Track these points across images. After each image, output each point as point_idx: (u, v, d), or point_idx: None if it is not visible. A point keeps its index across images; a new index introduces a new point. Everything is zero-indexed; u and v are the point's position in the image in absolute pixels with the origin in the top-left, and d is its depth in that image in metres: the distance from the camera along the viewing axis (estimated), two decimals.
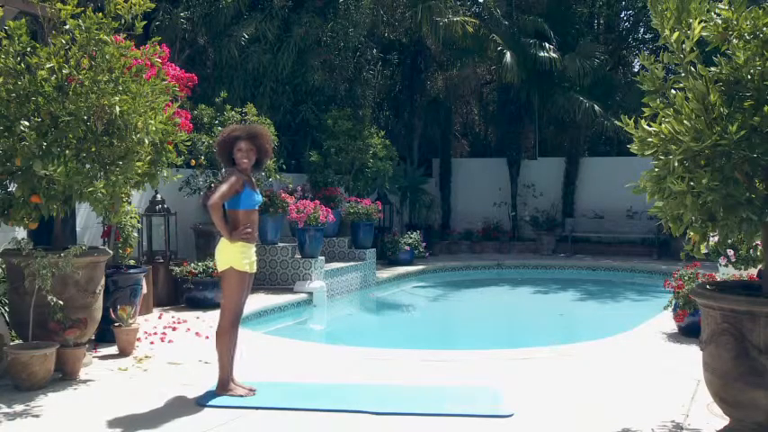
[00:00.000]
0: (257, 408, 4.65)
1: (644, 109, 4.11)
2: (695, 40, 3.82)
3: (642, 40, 19.06)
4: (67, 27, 5.43)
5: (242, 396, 4.84)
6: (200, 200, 9.95)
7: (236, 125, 4.97)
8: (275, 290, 10.13)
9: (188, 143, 6.33)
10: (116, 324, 6.19)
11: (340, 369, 5.80)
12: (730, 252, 6.98)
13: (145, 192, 7.82)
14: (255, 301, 9.28)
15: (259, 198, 5.01)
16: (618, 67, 18.88)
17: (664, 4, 3.91)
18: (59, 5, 5.47)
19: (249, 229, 4.85)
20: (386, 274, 12.67)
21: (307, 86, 13.38)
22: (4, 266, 5.86)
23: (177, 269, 8.69)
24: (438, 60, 17.70)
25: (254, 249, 5.00)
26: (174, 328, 7.27)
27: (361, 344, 6.91)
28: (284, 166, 11.25)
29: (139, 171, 5.70)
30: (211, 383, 5.17)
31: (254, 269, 5.00)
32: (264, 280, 10.46)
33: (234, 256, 4.83)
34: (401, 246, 13.66)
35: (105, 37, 5.37)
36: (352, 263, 11.78)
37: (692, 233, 4.09)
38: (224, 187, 4.74)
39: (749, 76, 3.64)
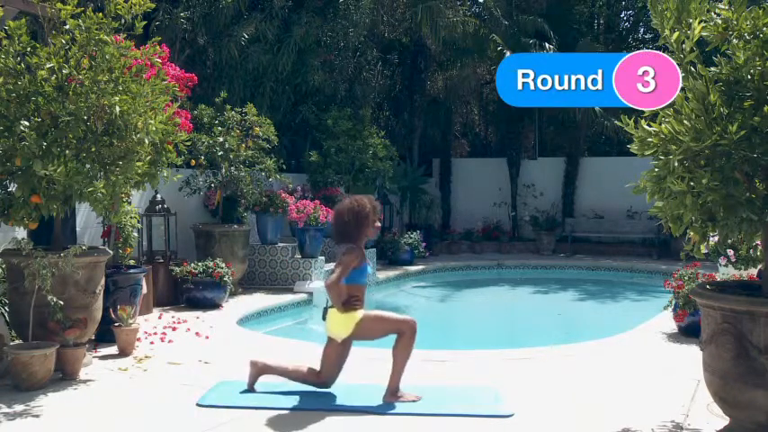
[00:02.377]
0: (257, 408, 4.65)
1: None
2: (695, 40, 3.82)
3: (642, 40, 19.05)
4: (67, 27, 5.42)
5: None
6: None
7: (362, 199, 4.91)
8: (275, 290, 10.13)
9: (188, 143, 6.32)
10: (116, 324, 6.19)
11: None
12: (730, 252, 6.99)
13: (145, 192, 7.81)
14: (255, 301, 9.29)
15: (370, 270, 4.98)
16: None
17: (664, 4, 3.91)
18: (59, 5, 5.47)
19: (360, 303, 4.83)
20: (386, 274, 12.66)
21: (307, 86, 13.37)
22: (4, 266, 5.86)
23: (177, 269, 8.69)
24: (438, 60, 17.70)
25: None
26: (173, 328, 7.27)
27: (362, 344, 6.88)
28: (284, 166, 11.24)
29: (139, 171, 5.69)
30: (211, 383, 5.18)
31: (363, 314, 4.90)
32: (264, 280, 10.47)
33: (352, 318, 4.79)
34: (401, 246, 13.65)
35: (105, 37, 5.37)
36: None
37: (692, 233, 4.09)
38: (341, 269, 4.69)
39: (749, 76, 3.64)
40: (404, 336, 4.80)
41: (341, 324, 4.82)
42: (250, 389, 4.98)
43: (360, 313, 4.82)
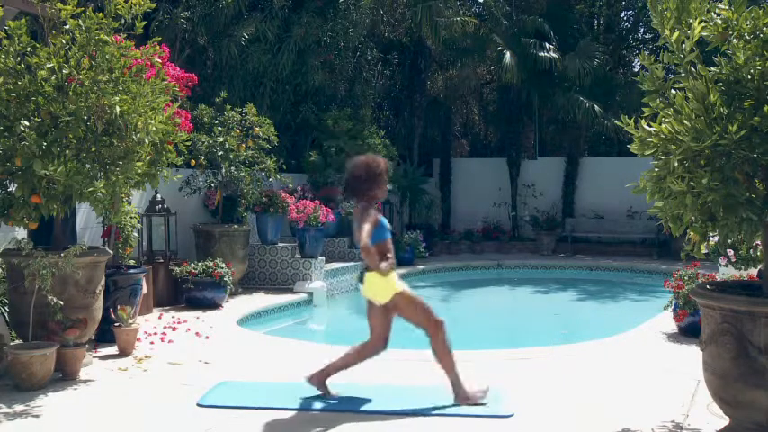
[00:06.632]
0: (257, 408, 4.65)
1: (644, 109, 4.11)
2: (695, 40, 3.82)
3: (642, 40, 19.05)
4: (67, 27, 5.42)
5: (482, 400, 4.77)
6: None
7: (377, 158, 4.90)
8: (275, 290, 10.13)
9: (188, 143, 6.32)
10: (116, 324, 6.19)
11: None
12: (730, 252, 6.98)
13: (145, 192, 7.82)
14: (255, 301, 9.29)
15: (388, 224, 4.96)
16: (618, 67, 18.89)
17: (664, 4, 3.91)
18: (59, 5, 5.47)
19: (392, 257, 4.79)
20: None
21: (307, 86, 13.38)
22: (4, 266, 5.86)
23: (177, 269, 8.69)
24: (438, 60, 17.71)
25: None
26: (173, 328, 7.27)
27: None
28: (284, 166, 11.24)
29: (139, 171, 5.69)
30: (211, 383, 5.18)
31: None
32: (264, 280, 10.47)
33: (391, 283, 4.75)
34: (401, 246, 13.65)
35: (105, 37, 5.37)
36: (352, 263, 11.77)
37: (692, 233, 4.09)
38: (368, 226, 4.62)
39: (749, 76, 3.64)
40: (434, 337, 4.82)
41: (380, 287, 4.75)
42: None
43: (398, 282, 4.77)
